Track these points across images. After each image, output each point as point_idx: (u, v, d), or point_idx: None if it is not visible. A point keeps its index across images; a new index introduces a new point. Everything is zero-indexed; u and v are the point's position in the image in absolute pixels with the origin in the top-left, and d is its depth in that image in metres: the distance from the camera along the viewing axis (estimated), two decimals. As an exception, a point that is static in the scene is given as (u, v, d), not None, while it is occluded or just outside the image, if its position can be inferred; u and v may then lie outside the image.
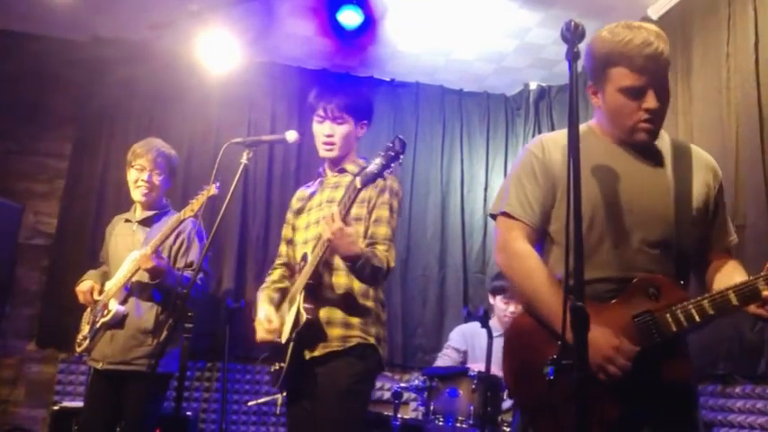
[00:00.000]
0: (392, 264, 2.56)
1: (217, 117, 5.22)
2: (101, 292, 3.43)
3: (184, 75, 5.04)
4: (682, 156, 1.96)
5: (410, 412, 4.30)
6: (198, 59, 4.85)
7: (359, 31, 4.71)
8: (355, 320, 2.55)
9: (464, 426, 3.64)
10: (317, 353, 2.53)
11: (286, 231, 2.93)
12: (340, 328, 2.54)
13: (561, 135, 1.99)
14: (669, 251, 1.86)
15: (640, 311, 1.77)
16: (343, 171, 2.76)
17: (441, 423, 3.71)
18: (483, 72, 5.52)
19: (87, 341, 3.37)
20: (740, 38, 3.67)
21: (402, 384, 4.15)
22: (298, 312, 2.51)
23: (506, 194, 2.01)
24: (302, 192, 2.94)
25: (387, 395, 4.13)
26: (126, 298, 3.35)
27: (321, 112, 2.71)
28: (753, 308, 1.74)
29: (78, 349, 3.44)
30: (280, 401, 2.75)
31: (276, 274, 2.89)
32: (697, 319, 1.71)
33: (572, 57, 1.60)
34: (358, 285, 2.58)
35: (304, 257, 2.65)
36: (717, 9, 3.88)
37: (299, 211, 2.85)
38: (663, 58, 1.88)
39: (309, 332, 2.50)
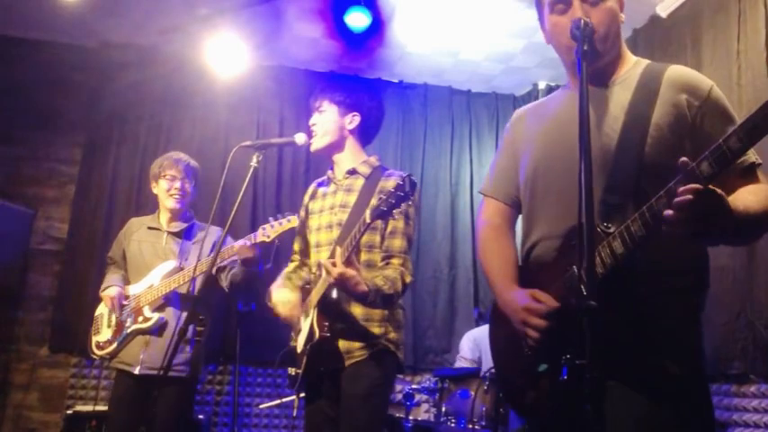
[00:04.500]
0: (408, 279, 2.56)
1: (225, 120, 5.24)
2: (126, 298, 3.48)
3: (193, 79, 5.06)
4: (650, 80, 1.75)
5: (422, 414, 4.29)
6: (206, 63, 4.87)
7: (366, 33, 4.71)
8: (377, 330, 2.56)
9: (476, 427, 3.63)
10: (340, 365, 2.54)
11: (299, 227, 2.93)
12: (362, 340, 2.54)
13: (535, 103, 2.13)
14: (611, 191, 1.65)
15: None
16: (354, 173, 2.74)
17: (453, 424, 3.70)
18: (491, 72, 5.51)
19: (113, 345, 3.41)
20: (751, 34, 3.63)
21: (414, 386, 4.14)
22: (311, 328, 2.51)
23: (487, 177, 2.10)
24: (314, 188, 2.91)
25: (398, 397, 4.11)
26: (163, 306, 3.40)
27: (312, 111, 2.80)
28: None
29: (100, 352, 3.47)
30: (296, 404, 2.76)
31: (291, 266, 2.92)
32: (607, 260, 1.53)
33: (582, 54, 1.57)
34: None
35: (319, 266, 2.60)
36: (727, 5, 3.84)
37: (310, 210, 2.84)
38: None
39: (323, 347, 2.50)
